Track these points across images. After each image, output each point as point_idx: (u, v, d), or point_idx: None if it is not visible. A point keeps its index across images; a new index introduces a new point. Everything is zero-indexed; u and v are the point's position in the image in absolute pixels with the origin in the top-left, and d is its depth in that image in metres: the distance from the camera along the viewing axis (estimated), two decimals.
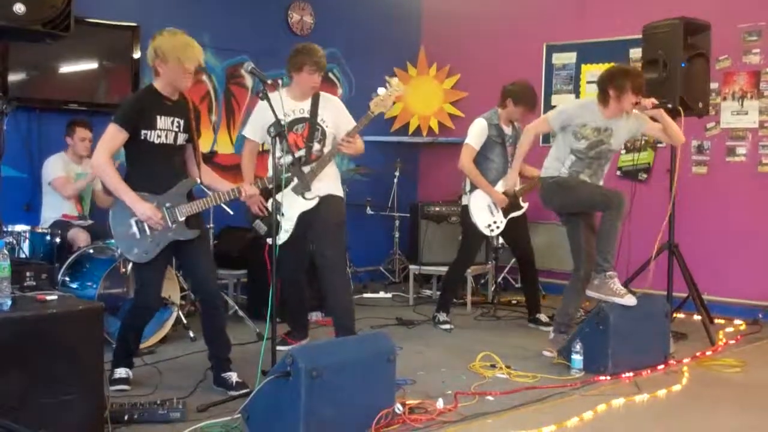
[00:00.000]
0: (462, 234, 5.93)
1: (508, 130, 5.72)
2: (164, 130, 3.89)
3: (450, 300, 5.92)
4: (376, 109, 4.58)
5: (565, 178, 4.80)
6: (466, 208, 5.73)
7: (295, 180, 4.52)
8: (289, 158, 4.42)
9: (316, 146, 4.66)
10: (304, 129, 4.65)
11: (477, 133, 5.65)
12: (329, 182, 4.73)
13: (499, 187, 5.63)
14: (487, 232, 5.67)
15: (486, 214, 5.66)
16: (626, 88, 4.60)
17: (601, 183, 4.91)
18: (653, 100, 4.68)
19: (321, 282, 4.78)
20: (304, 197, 4.61)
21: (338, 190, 4.78)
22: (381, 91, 4.59)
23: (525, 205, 5.80)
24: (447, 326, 5.73)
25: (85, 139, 5.43)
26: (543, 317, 5.85)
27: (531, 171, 5.74)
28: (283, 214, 4.56)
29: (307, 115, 4.66)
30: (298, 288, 5.03)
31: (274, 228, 3.92)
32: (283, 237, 4.58)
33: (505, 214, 5.69)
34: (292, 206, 4.62)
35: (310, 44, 4.73)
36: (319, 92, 4.74)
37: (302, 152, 4.63)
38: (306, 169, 4.54)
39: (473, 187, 5.67)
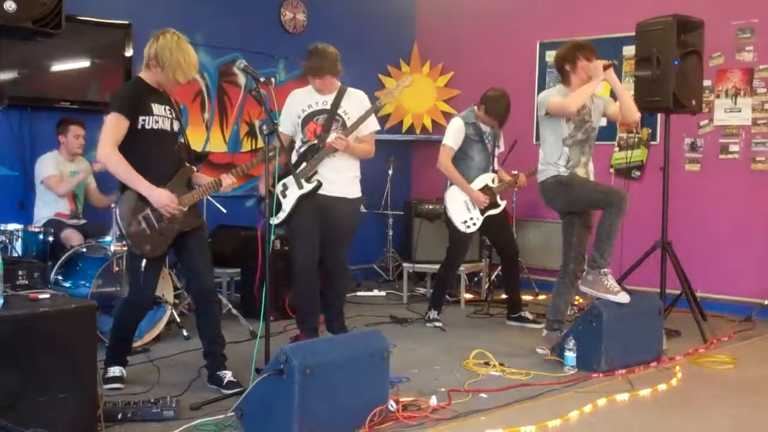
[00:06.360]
0: (448, 231, 5.90)
1: (486, 127, 5.71)
2: (160, 116, 3.89)
3: (441, 298, 5.92)
4: (384, 99, 4.90)
5: (566, 176, 4.76)
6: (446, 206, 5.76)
7: (302, 166, 4.76)
8: (305, 147, 4.77)
9: (332, 136, 4.74)
10: (324, 120, 4.78)
11: (454, 132, 5.67)
12: (345, 180, 4.83)
13: (477, 183, 5.67)
14: (462, 228, 5.67)
15: (462, 211, 5.68)
16: (577, 57, 4.74)
17: (592, 170, 4.90)
18: (604, 62, 4.72)
19: (328, 281, 5.00)
20: (300, 186, 4.73)
21: (355, 191, 4.90)
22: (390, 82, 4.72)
23: (502, 204, 5.80)
24: (438, 324, 5.72)
25: (79, 136, 5.41)
26: (528, 314, 5.88)
27: (506, 176, 5.91)
28: (285, 196, 4.77)
29: (328, 107, 4.79)
30: (310, 281, 4.82)
31: (268, 227, 3.89)
32: (280, 216, 4.80)
33: (482, 212, 5.69)
34: (293, 189, 4.77)
35: (319, 48, 4.77)
36: (346, 87, 4.87)
37: (315, 141, 4.77)
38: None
39: (451, 184, 5.71)
